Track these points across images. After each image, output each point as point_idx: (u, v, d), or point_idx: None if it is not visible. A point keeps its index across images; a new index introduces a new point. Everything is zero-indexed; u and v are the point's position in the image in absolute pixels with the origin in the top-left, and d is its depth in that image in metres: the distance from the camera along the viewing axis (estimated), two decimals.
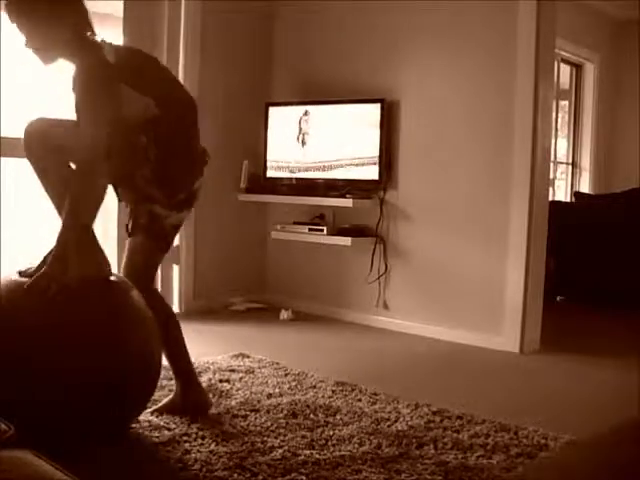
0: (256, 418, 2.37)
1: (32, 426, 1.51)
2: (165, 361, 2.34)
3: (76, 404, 1.88)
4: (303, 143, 4.28)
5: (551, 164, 4.61)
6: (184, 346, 2.44)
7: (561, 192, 6.62)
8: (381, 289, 4.14)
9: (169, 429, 2.23)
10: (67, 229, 2.05)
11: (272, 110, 4.42)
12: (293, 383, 2.80)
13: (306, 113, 4.26)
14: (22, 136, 2.24)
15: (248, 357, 3.20)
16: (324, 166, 4.21)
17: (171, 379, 2.75)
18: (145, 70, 2.33)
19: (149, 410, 2.34)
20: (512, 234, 3.61)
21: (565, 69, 6.47)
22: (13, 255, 3.62)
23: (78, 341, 1.92)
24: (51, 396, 1.85)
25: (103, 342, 1.97)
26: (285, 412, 2.44)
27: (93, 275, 2.08)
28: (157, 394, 2.39)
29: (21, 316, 1.93)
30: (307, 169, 4.28)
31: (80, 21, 2.19)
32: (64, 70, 2.26)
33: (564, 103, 6.62)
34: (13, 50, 2.86)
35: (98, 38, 2.22)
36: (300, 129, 4.30)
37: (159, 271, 4.21)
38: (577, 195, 6.00)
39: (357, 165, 4.07)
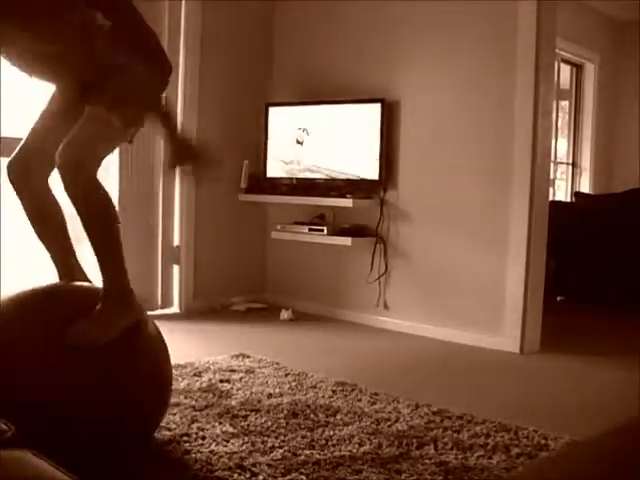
0: (256, 418, 2.37)
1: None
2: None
3: (78, 438, 1.82)
4: (299, 143, 4.29)
5: (551, 164, 4.61)
6: (120, 251, 2.06)
7: (561, 192, 6.62)
8: (381, 289, 4.14)
9: (169, 429, 2.24)
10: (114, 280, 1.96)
11: (272, 110, 4.42)
12: (293, 383, 2.80)
13: (304, 130, 4.27)
14: (21, 142, 2.11)
15: (248, 357, 3.20)
16: (324, 166, 4.21)
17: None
18: None
19: None
20: (512, 234, 3.61)
21: (565, 69, 6.46)
22: (13, 255, 3.62)
23: (86, 374, 1.87)
24: (49, 428, 1.76)
25: (113, 375, 1.92)
26: (285, 412, 2.44)
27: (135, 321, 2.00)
28: None
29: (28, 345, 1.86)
30: (307, 169, 4.29)
31: None
32: None
33: (564, 103, 6.62)
34: None
35: None
36: (297, 140, 4.30)
37: (159, 270, 4.23)
38: (577, 195, 6.00)
39: (357, 165, 4.07)
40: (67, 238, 2.19)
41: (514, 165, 3.60)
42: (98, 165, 1.99)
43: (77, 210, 1.93)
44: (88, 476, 1.12)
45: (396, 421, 2.40)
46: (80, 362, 1.87)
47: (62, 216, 2.17)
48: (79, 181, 1.92)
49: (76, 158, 1.92)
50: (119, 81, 2.02)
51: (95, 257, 1.98)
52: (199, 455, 2.04)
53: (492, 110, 3.69)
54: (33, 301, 1.99)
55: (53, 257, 2.17)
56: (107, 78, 2.01)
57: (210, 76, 4.32)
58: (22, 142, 2.11)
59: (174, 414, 2.37)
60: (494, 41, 3.68)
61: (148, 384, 2.02)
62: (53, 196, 2.14)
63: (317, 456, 2.07)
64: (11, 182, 2.09)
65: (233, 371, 2.95)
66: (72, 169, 1.91)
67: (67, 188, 1.90)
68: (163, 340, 2.13)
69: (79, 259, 2.21)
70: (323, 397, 2.64)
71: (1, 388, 1.80)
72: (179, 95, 4.19)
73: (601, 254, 4.96)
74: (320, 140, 4.24)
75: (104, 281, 1.98)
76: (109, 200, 1.98)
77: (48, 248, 2.17)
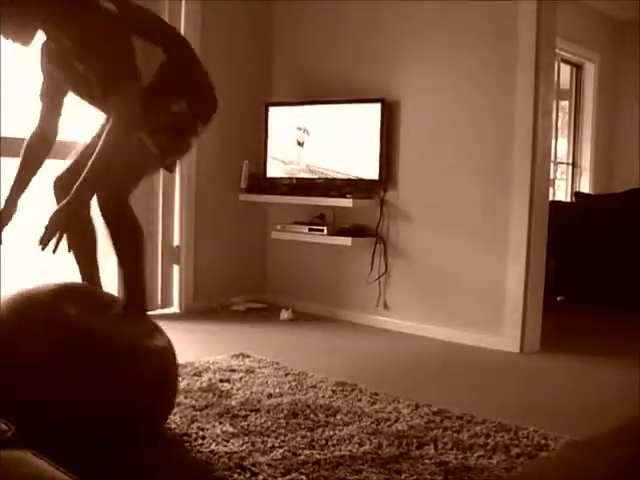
0: (256, 418, 2.37)
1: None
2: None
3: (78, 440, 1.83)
4: (300, 145, 4.29)
5: (551, 164, 4.61)
6: (142, 267, 2.25)
7: (561, 192, 6.62)
8: (381, 289, 4.14)
9: (169, 429, 2.24)
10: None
11: (272, 110, 4.42)
12: (293, 383, 2.80)
13: (305, 130, 4.27)
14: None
15: (248, 357, 3.20)
16: (324, 166, 4.21)
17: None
18: (151, 17, 2.27)
19: None
20: (512, 234, 3.61)
21: (565, 69, 6.46)
22: (13, 254, 3.62)
23: (79, 374, 1.88)
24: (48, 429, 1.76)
25: (108, 375, 1.93)
26: (285, 412, 2.44)
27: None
28: None
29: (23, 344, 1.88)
30: (307, 169, 4.28)
31: None
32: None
33: (564, 103, 6.62)
34: (14, 48, 2.85)
35: None
36: (297, 141, 4.31)
37: (159, 270, 4.23)
38: (577, 195, 6.00)
39: (357, 165, 4.07)
40: (95, 251, 2.34)
41: (514, 165, 3.60)
42: (133, 188, 2.16)
43: (107, 228, 2.11)
44: (88, 476, 1.12)
45: (396, 421, 2.40)
46: (81, 362, 1.88)
47: (95, 231, 2.33)
48: (112, 203, 2.08)
49: (112, 181, 2.05)
50: (163, 110, 2.18)
51: (118, 271, 2.16)
52: (199, 455, 2.04)
53: (492, 110, 3.69)
54: (39, 300, 2.00)
55: (80, 266, 2.31)
56: (153, 105, 2.14)
57: (210, 76, 4.31)
58: (72, 159, 2.28)
59: (174, 414, 2.36)
60: (494, 41, 3.68)
61: (150, 387, 2.03)
62: (90, 212, 2.27)
63: (317, 456, 2.07)
64: (54, 194, 2.25)
65: (233, 371, 2.95)
66: (107, 191, 2.06)
67: (100, 207, 2.08)
68: (171, 346, 2.18)
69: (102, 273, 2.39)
70: (323, 397, 2.64)
71: (1, 387, 1.81)
72: None
73: (601, 254, 4.96)
74: (320, 140, 4.23)
75: (125, 293, 2.14)
76: (137, 224, 2.15)
77: (77, 257, 2.30)
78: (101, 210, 2.08)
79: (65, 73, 2.12)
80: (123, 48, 2.01)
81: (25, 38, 2.00)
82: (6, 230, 2.23)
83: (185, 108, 2.22)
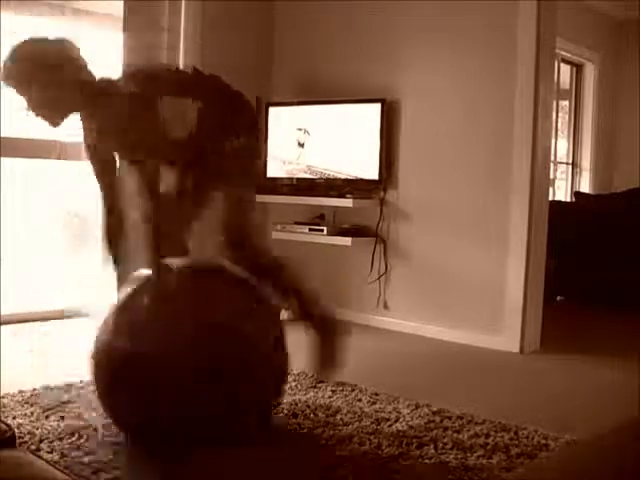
0: None
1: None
2: None
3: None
4: (301, 146, 4.29)
5: (551, 164, 4.61)
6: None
7: (561, 192, 6.61)
8: (381, 289, 4.14)
9: None
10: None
11: (272, 110, 4.42)
12: (293, 383, 2.80)
13: (305, 131, 4.27)
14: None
15: None
16: (324, 166, 4.21)
17: None
18: (177, 76, 2.43)
19: None
20: (512, 234, 3.61)
21: (565, 69, 6.46)
22: (14, 250, 3.62)
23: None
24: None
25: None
26: (285, 412, 2.44)
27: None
28: None
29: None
30: (307, 169, 4.28)
31: (80, 70, 2.16)
32: None
33: (564, 103, 6.62)
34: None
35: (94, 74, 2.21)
36: (298, 142, 4.31)
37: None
38: (577, 195, 6.00)
39: (357, 165, 4.07)
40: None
41: (514, 165, 3.60)
42: (250, 226, 2.37)
43: (250, 272, 2.34)
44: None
45: (396, 421, 2.40)
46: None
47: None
48: (246, 253, 2.33)
49: (237, 237, 2.34)
50: (219, 154, 2.31)
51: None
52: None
53: (492, 110, 3.69)
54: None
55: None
56: (205, 153, 2.29)
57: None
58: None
59: None
60: (494, 41, 3.68)
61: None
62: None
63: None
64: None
65: None
66: (238, 247, 2.33)
67: (237, 261, 2.31)
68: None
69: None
70: (323, 397, 2.64)
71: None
72: None
73: (601, 254, 4.96)
74: (320, 140, 4.23)
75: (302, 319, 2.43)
76: (274, 258, 2.44)
77: None
78: (236, 259, 2.31)
79: (109, 145, 2.26)
80: (143, 128, 2.19)
81: (56, 121, 2.16)
82: None
83: (237, 142, 2.35)
